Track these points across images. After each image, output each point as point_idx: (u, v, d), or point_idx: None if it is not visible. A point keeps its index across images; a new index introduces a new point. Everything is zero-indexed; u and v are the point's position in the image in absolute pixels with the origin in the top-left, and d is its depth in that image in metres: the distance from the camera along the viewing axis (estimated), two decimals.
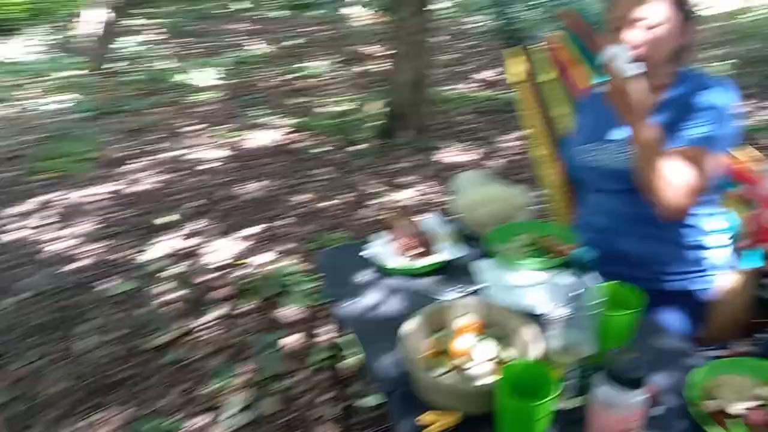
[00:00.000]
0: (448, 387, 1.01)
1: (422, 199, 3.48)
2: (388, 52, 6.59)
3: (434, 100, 4.82)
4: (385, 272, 1.41)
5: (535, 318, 1.16)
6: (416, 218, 1.57)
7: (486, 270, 1.38)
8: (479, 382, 1.01)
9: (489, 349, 1.09)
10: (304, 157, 4.22)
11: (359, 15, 9.08)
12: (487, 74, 6.08)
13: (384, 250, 1.47)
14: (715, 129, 1.31)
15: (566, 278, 1.30)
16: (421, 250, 1.44)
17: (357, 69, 6.49)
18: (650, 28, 1.31)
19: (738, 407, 0.92)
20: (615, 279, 1.34)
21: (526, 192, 1.58)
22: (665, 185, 1.27)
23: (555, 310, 1.10)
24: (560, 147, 2.02)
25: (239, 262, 2.89)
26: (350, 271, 1.44)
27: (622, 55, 1.26)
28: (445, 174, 3.82)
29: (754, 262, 1.44)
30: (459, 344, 1.10)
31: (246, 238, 3.13)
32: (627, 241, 1.42)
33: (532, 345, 1.02)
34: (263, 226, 3.25)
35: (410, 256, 1.44)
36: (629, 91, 1.25)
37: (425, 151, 4.16)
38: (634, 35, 1.31)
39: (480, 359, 1.07)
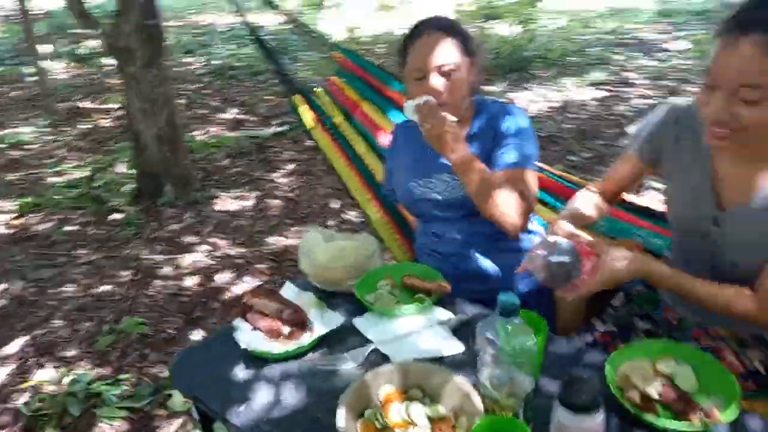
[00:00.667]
0: None
1: (216, 256, 3.24)
2: (116, 107, 6.02)
3: (190, 148, 4.53)
4: (263, 360, 1.27)
5: (439, 360, 1.18)
6: (273, 295, 1.44)
7: (367, 327, 1.34)
8: None
9: (420, 411, 1.06)
10: (53, 240, 3.57)
11: (56, 68, 8.02)
12: (234, 112, 5.95)
13: (252, 336, 1.32)
14: (526, 148, 1.49)
15: (444, 314, 1.35)
16: (291, 329, 1.33)
17: (82, 127, 5.75)
18: (448, 74, 1.45)
19: (653, 389, 1.05)
20: (473, 296, 1.44)
21: (370, 238, 1.58)
22: (500, 211, 1.42)
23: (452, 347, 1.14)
24: (378, 186, 2.08)
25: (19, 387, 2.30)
26: (219, 370, 1.26)
27: (421, 104, 1.40)
28: (228, 224, 3.62)
29: None
30: (394, 416, 1.04)
31: (5, 360, 2.50)
32: (477, 260, 1.53)
33: (471, 395, 1.02)
34: (24, 339, 2.63)
35: (283, 337, 1.31)
36: (446, 137, 1.37)
37: (198, 205, 3.88)
38: (437, 83, 1.45)
39: (422, 423, 1.03)
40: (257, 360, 1.28)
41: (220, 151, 4.88)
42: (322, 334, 1.30)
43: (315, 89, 2.42)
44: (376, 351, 1.28)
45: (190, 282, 2.99)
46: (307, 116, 2.33)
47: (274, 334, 1.32)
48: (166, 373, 2.30)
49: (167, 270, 3.12)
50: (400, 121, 1.81)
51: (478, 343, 0.99)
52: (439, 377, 1.09)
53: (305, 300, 1.41)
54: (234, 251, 3.28)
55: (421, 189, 1.58)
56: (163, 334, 2.58)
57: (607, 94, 5.43)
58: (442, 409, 1.06)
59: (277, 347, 1.28)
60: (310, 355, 1.29)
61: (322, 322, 1.34)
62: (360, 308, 1.41)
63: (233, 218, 3.71)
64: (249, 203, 3.94)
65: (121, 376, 2.29)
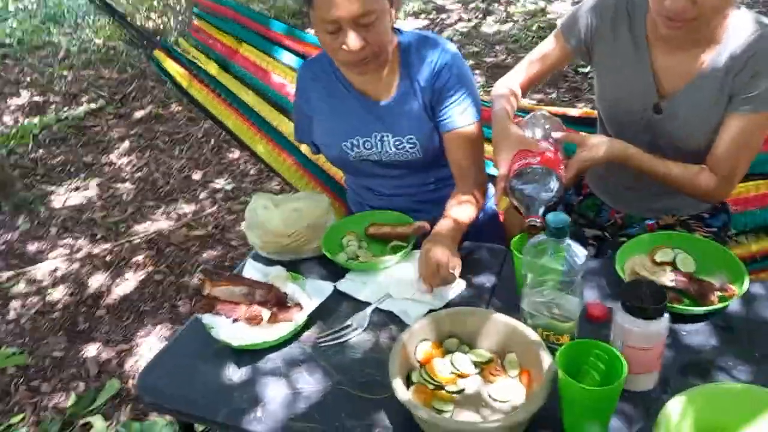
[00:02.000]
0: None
1: (78, 258, 2.77)
2: None
3: None
4: (254, 352, 1.09)
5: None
6: (235, 279, 1.24)
7: (356, 289, 1.22)
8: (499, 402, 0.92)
9: (465, 360, 0.98)
10: None
11: None
12: (26, 96, 5.02)
13: (234, 330, 1.12)
14: (471, 97, 1.33)
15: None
16: (271, 310, 1.16)
17: None
18: (369, 25, 1.17)
19: (665, 279, 1.08)
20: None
21: (318, 195, 1.42)
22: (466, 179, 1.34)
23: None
24: (286, 139, 1.88)
25: None
26: (206, 377, 1.06)
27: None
28: (77, 220, 3.10)
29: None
30: (441, 372, 0.96)
31: None
32: (425, 209, 1.44)
33: (518, 328, 0.96)
34: None
35: (267, 321, 1.14)
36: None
37: (30, 206, 3.26)
38: (356, 42, 1.17)
39: (471, 371, 0.96)
40: (247, 354, 1.09)
41: (30, 141, 4.12)
42: (316, 306, 1.15)
43: (178, 39, 2.09)
44: (376, 310, 1.16)
45: (58, 294, 2.53)
46: (177, 72, 2.01)
47: (255, 321, 1.14)
48: (70, 401, 1.94)
49: (21, 287, 2.60)
50: (301, 63, 1.58)
51: (524, 266, 0.93)
52: (474, 319, 1.01)
53: (276, 276, 1.23)
54: (97, 249, 2.83)
55: (357, 150, 1.38)
56: (48, 359, 2.16)
57: (428, 22, 5.54)
58: (485, 353, 1.00)
59: (270, 334, 1.10)
60: (306, 334, 1.14)
61: (308, 293, 1.18)
62: (334, 272, 1.28)
63: (80, 213, 3.19)
64: (92, 193, 3.41)
65: (14, 419, 1.88)
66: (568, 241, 0.89)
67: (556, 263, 0.88)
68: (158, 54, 2.02)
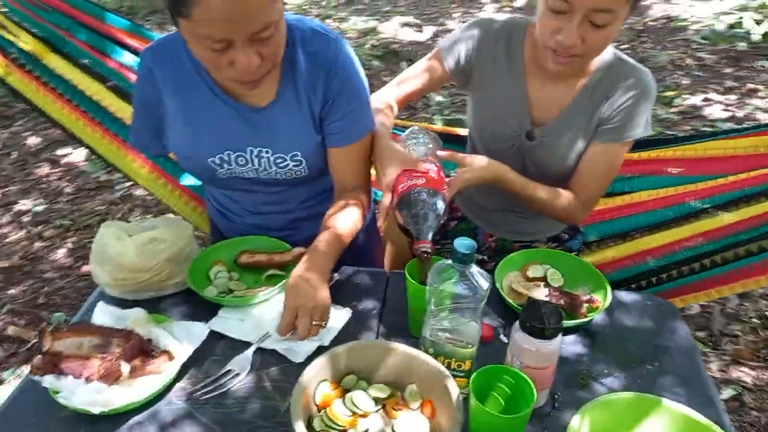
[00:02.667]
0: None
1: None
2: None
3: None
4: (117, 416, 0.92)
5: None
6: (83, 328, 1.04)
7: (233, 327, 1.10)
8: None
9: (364, 398, 0.93)
10: None
11: None
12: None
13: (88, 391, 0.93)
14: (365, 104, 1.19)
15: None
16: (133, 362, 0.99)
17: None
18: (267, 39, 0.96)
19: (540, 294, 1.14)
20: None
21: (179, 221, 1.27)
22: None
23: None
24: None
25: None
26: None
27: None
28: None
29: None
30: (343, 416, 0.89)
31: None
32: (301, 227, 1.36)
33: (420, 357, 0.93)
34: None
35: (126, 377, 0.97)
36: None
37: None
38: (252, 61, 0.96)
39: (372, 409, 0.91)
40: (106, 420, 0.92)
41: None
42: (191, 352, 1.01)
43: None
44: (258, 350, 1.06)
45: None
46: None
47: (114, 378, 0.96)
48: None
49: None
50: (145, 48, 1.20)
51: (428, 293, 0.91)
52: (373, 352, 0.96)
53: (136, 320, 1.06)
54: None
55: (228, 166, 1.18)
56: None
57: None
58: (385, 388, 0.95)
59: (135, 392, 0.94)
60: (177, 387, 0.99)
61: (178, 338, 1.03)
62: (204, 309, 1.14)
63: None
64: None
65: None
66: (474, 267, 0.88)
67: (462, 290, 0.87)
68: None
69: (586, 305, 1.13)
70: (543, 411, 0.96)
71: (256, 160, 1.18)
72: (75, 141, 1.76)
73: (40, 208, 2.87)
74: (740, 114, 3.49)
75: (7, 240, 2.67)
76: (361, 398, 0.92)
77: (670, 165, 1.62)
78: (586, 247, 1.69)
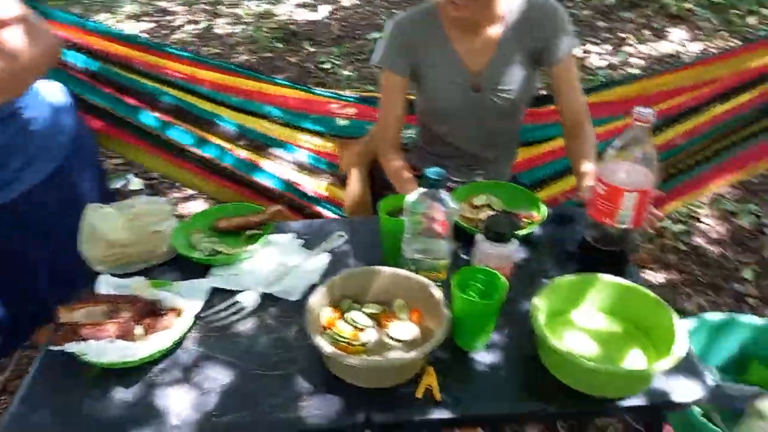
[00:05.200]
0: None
1: None
2: None
3: None
4: (142, 368, 1.02)
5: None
6: (91, 298, 1.11)
7: (228, 282, 1.21)
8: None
9: (361, 316, 1.09)
10: None
11: None
12: None
13: (113, 348, 1.02)
14: None
15: (285, 237, 1.33)
16: (144, 321, 1.09)
17: None
18: None
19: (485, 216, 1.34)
20: None
21: (154, 198, 1.34)
22: None
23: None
24: None
25: None
26: (89, 415, 0.96)
27: None
28: None
29: None
30: (346, 331, 1.05)
31: None
32: None
33: (402, 274, 1.10)
34: None
35: (140, 336, 1.07)
36: None
37: None
38: None
39: (368, 324, 1.07)
40: (132, 373, 1.02)
41: None
42: (201, 305, 1.12)
43: None
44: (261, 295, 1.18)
45: None
46: None
47: (130, 336, 1.06)
48: None
49: None
50: None
51: (405, 218, 1.07)
52: (364, 277, 1.12)
53: (137, 287, 1.15)
54: None
55: None
56: None
57: (153, 24, 5.27)
58: (376, 305, 1.11)
59: (153, 345, 1.04)
60: (190, 336, 1.10)
61: (184, 295, 1.14)
62: (191, 273, 1.24)
63: None
64: None
65: None
66: (443, 192, 1.06)
67: (436, 211, 1.05)
68: None
69: (525, 220, 1.35)
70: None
71: None
72: None
73: None
74: (615, 61, 3.92)
75: None
76: (358, 316, 1.08)
77: None
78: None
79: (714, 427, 1.18)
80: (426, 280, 1.08)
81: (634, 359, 1.03)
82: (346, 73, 3.98)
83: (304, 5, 5.28)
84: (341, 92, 1.92)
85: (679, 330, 0.98)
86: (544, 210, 1.36)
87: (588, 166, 1.39)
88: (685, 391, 0.98)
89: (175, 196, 2.86)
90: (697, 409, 1.37)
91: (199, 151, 1.88)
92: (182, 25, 5.10)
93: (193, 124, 1.88)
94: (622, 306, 1.09)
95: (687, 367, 1.00)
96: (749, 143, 1.86)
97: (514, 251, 1.11)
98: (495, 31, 1.47)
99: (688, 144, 1.88)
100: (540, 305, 1.03)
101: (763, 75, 1.80)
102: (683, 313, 1.88)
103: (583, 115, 1.51)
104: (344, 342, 1.02)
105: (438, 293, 1.05)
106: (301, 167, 1.87)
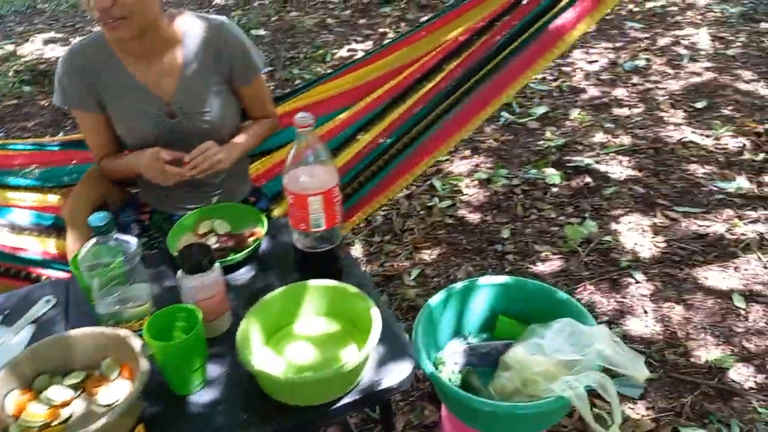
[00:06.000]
0: None
1: None
2: None
3: None
4: None
5: None
6: None
7: None
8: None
9: (60, 390, 0.98)
10: None
11: None
12: None
13: None
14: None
15: None
16: None
17: None
18: None
19: (210, 244, 1.29)
20: None
21: None
22: None
23: None
24: None
25: None
26: None
27: None
28: None
29: None
30: (40, 412, 0.94)
31: None
32: None
33: (97, 332, 1.01)
34: None
35: None
36: None
37: None
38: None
39: (70, 396, 0.97)
40: None
41: None
42: None
43: None
44: None
45: None
46: None
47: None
48: None
49: None
50: None
51: (88, 279, 0.98)
52: (54, 348, 1.00)
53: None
54: None
55: None
56: None
57: None
58: (78, 373, 1.01)
59: None
60: None
61: None
62: None
63: None
64: None
65: None
66: (116, 234, 0.99)
67: (114, 257, 0.97)
68: None
69: (250, 239, 1.33)
70: (231, 332, 1.13)
71: None
72: None
73: None
74: None
75: None
76: (56, 391, 0.98)
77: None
78: (275, 201, 1.84)
79: (455, 388, 1.24)
80: (123, 332, 1.01)
81: (350, 357, 1.05)
82: None
83: (53, 41, 4.82)
84: (42, 141, 1.74)
85: (375, 319, 1.01)
86: (266, 224, 1.35)
87: (239, 138, 1.52)
88: (393, 375, 1.02)
89: None
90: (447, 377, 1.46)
91: None
92: None
93: None
94: (334, 306, 1.12)
95: (395, 352, 1.05)
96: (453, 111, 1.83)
97: (216, 278, 1.08)
98: (176, 55, 1.42)
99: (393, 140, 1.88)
100: (247, 328, 1.01)
101: (461, 44, 1.85)
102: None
103: (273, 114, 1.65)
104: (36, 428, 0.91)
105: (136, 343, 0.98)
106: (21, 229, 1.66)
